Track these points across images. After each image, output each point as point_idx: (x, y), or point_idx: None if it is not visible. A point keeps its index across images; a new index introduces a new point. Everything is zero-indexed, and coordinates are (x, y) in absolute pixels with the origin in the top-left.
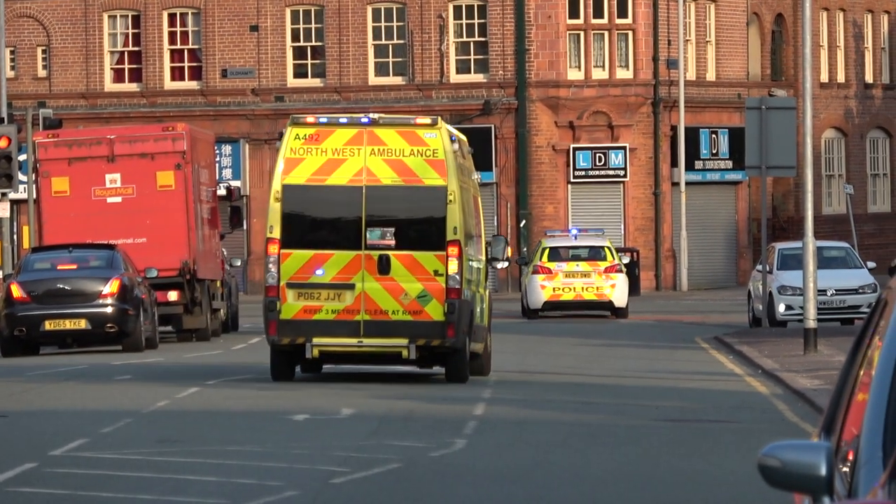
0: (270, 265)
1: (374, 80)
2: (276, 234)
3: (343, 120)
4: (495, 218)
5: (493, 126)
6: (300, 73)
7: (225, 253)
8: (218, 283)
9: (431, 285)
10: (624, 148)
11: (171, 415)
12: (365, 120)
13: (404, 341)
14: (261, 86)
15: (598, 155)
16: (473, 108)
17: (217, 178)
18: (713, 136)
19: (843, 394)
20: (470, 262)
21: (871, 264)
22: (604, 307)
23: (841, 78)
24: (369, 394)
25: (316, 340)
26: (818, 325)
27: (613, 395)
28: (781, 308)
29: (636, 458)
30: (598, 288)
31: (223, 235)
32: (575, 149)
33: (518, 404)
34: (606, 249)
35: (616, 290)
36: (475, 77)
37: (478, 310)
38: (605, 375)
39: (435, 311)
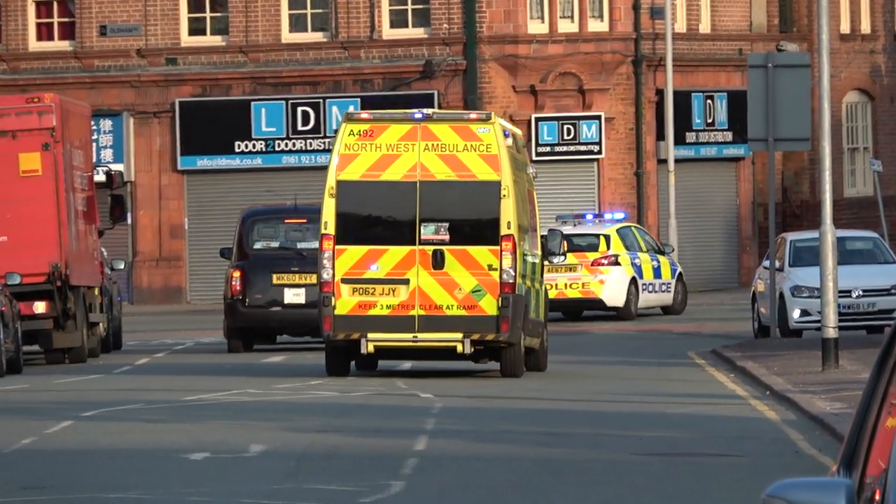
0: (325, 261)
1: (288, 36)
2: (331, 230)
3: (397, 115)
4: None
5: (436, 92)
6: (196, 29)
7: (105, 254)
8: (96, 292)
9: (485, 280)
10: (598, 118)
11: (39, 455)
12: (419, 115)
13: (459, 336)
14: (148, 46)
15: (566, 126)
16: (412, 70)
17: (94, 160)
18: (708, 101)
19: (867, 419)
20: (525, 257)
21: None
22: (593, 306)
23: (866, 28)
24: (286, 425)
25: (371, 336)
26: (840, 335)
27: (586, 423)
28: (795, 314)
29: (613, 500)
30: (583, 284)
31: (102, 232)
32: (538, 119)
33: (468, 437)
34: (603, 238)
35: (607, 287)
36: (413, 32)
37: (533, 304)
38: (576, 399)
39: (489, 305)
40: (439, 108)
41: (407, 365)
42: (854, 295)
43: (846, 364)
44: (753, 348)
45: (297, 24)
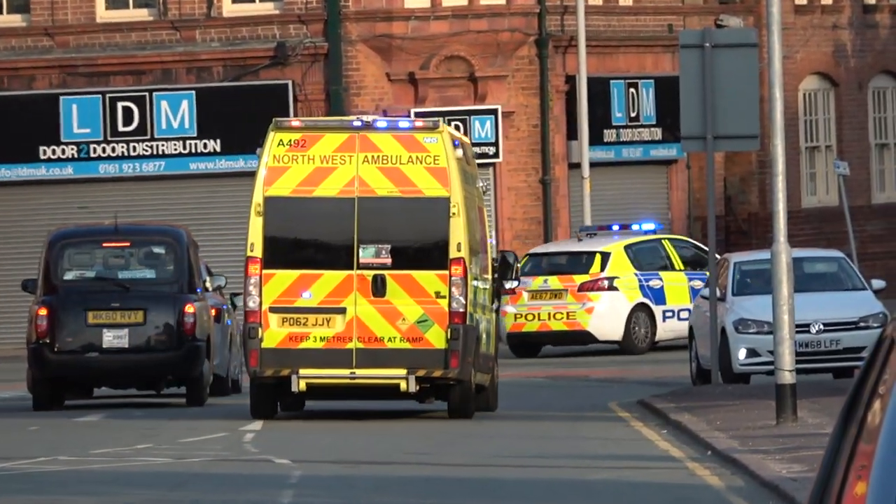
0: (251, 287)
1: (104, 14)
2: (258, 252)
3: (333, 123)
4: None
5: (290, 82)
6: None
7: None
8: None
9: (433, 309)
10: (494, 112)
11: None
12: (357, 123)
13: (402, 372)
14: None
15: (453, 123)
16: (260, 55)
17: None
18: (632, 91)
19: (831, 484)
20: (475, 283)
21: (877, 283)
22: (580, 339)
23: None
24: (105, 502)
25: (303, 372)
26: (799, 380)
27: (479, 494)
28: (741, 354)
29: None
30: (568, 314)
31: None
32: (419, 115)
33: None
34: (599, 256)
35: (595, 316)
36: (262, 8)
37: (484, 336)
38: (468, 464)
39: (437, 337)
40: (294, 101)
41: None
42: (813, 330)
43: (806, 416)
44: (691, 397)
45: (115, 0)
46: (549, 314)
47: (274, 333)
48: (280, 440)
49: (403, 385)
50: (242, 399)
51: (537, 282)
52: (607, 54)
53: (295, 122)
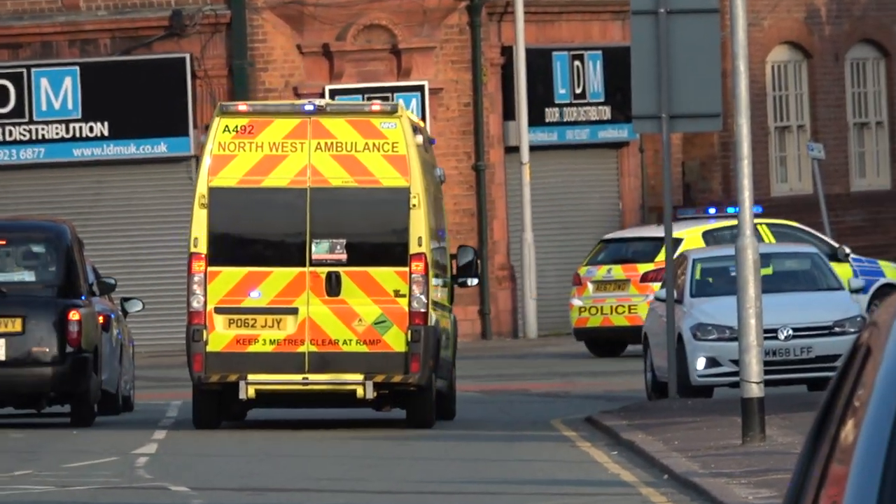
0: (195, 286)
1: None
2: (202, 248)
3: (283, 108)
4: None
5: (187, 56)
6: None
7: None
8: None
9: (391, 309)
10: (420, 89)
11: None
12: (309, 107)
13: (359, 377)
14: None
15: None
16: (153, 25)
17: None
18: (577, 64)
19: None
20: (435, 280)
21: (856, 282)
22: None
23: None
24: None
25: (252, 377)
26: (767, 393)
27: None
28: (699, 364)
29: None
30: (630, 307)
31: None
32: (334, 92)
33: None
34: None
35: None
36: None
37: (443, 338)
38: (390, 492)
39: (396, 340)
40: (193, 77)
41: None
42: (782, 336)
43: (776, 434)
44: (646, 414)
45: None
46: (611, 307)
47: (220, 336)
48: (178, 464)
49: (360, 391)
50: (134, 418)
51: (601, 271)
52: (548, 22)
53: (242, 107)
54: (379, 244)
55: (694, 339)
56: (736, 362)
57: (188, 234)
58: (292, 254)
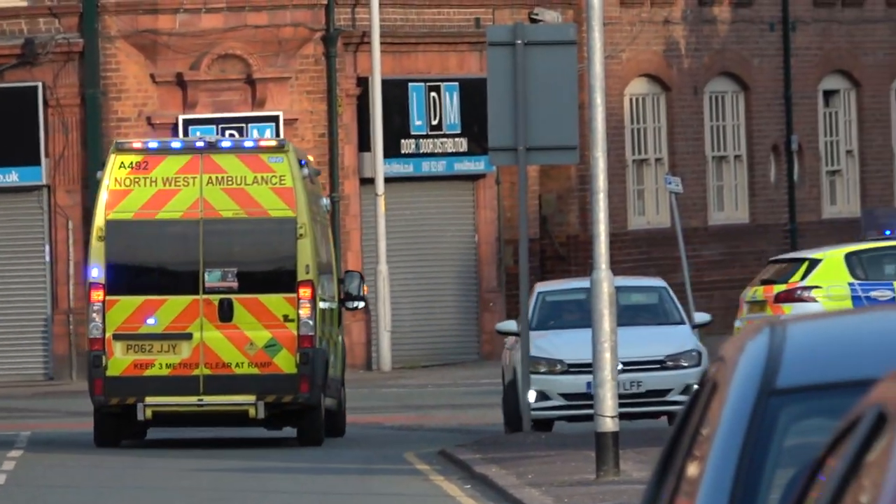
0: (94, 314)
1: None
2: (100, 278)
3: (175, 145)
4: (48, 244)
5: (40, 85)
6: None
7: None
8: None
9: (281, 333)
10: (275, 119)
11: None
12: (200, 144)
13: (251, 398)
14: None
15: (228, 132)
16: (5, 53)
17: None
18: (433, 95)
19: None
20: (322, 304)
21: (700, 317)
22: None
23: None
24: None
25: (149, 400)
26: (623, 426)
27: None
28: (530, 398)
29: None
30: None
31: None
32: (188, 122)
33: None
34: (806, 263)
35: None
36: None
37: (331, 359)
38: None
39: (286, 362)
40: (45, 106)
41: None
42: None
43: (630, 468)
44: (500, 447)
45: None
46: None
47: (118, 361)
48: (26, 496)
49: (252, 411)
50: None
51: (752, 292)
52: (405, 53)
53: (136, 144)
54: (268, 272)
55: (524, 373)
56: (566, 396)
57: (37, 266)
58: (186, 282)
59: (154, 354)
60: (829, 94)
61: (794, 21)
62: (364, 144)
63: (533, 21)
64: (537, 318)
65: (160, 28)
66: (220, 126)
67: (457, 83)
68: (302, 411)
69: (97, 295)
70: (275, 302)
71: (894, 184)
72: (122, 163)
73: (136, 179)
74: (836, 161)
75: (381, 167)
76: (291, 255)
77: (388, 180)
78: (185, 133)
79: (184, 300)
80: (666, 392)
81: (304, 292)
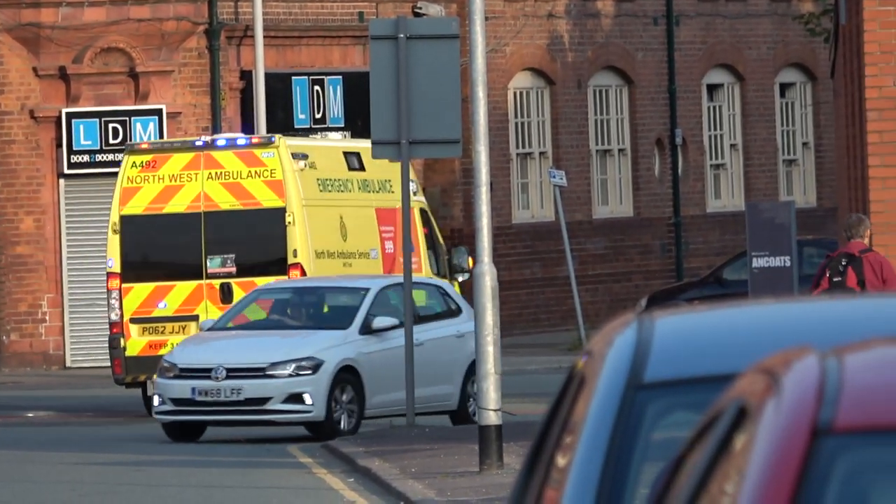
0: (112, 301)
1: None
2: (116, 268)
3: (178, 144)
4: None
5: None
6: None
7: None
8: None
9: None
10: (158, 112)
11: None
12: (200, 143)
13: None
14: None
15: (112, 126)
16: None
17: None
18: (317, 88)
19: None
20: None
21: (382, 320)
22: None
23: None
24: None
25: None
26: (511, 421)
27: None
28: (155, 400)
29: None
30: None
31: None
32: (71, 116)
33: None
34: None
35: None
36: None
37: None
38: None
39: None
40: None
41: None
42: (216, 376)
43: (514, 461)
44: (384, 441)
45: None
46: None
47: (135, 342)
48: None
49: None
50: None
51: None
52: (288, 47)
53: (144, 145)
54: (262, 257)
55: (159, 376)
56: (175, 401)
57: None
58: (191, 269)
59: (166, 335)
60: (712, 88)
61: (677, 15)
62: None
63: (416, 15)
64: (229, 317)
65: (43, 21)
66: (103, 119)
67: (340, 77)
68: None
69: (114, 283)
70: None
71: (778, 177)
72: (134, 162)
73: (146, 177)
74: (721, 155)
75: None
76: (282, 242)
77: None
78: (70, 129)
79: (189, 285)
80: (266, 400)
81: (294, 275)
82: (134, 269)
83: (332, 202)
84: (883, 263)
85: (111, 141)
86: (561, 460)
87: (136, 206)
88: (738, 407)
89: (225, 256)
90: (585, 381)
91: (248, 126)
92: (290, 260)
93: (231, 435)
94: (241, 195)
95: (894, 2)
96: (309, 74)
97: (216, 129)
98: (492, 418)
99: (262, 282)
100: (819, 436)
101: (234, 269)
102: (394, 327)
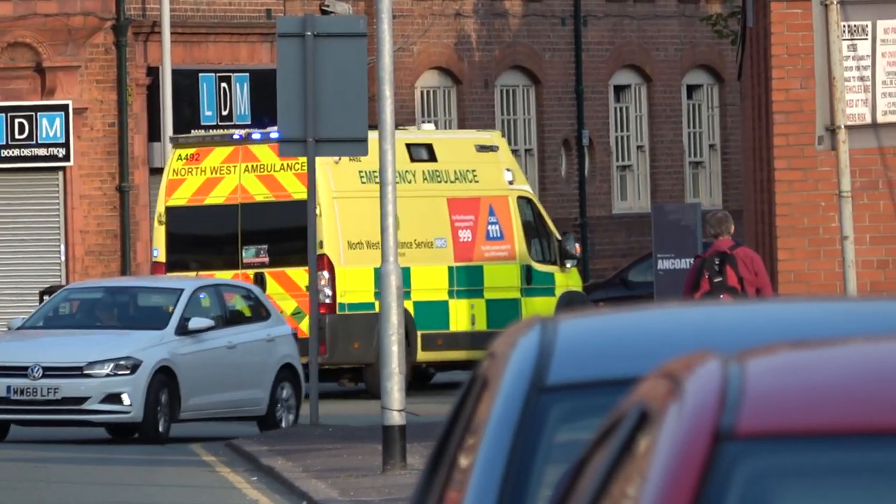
0: None
1: None
2: (162, 257)
3: (218, 138)
4: None
5: None
6: None
7: None
8: None
9: (304, 301)
10: (64, 108)
11: None
12: (237, 136)
13: None
14: None
15: (17, 121)
16: None
17: None
18: (224, 85)
19: None
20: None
21: (199, 321)
22: None
23: None
24: None
25: None
26: (414, 420)
27: None
28: None
29: None
30: None
31: None
32: None
33: None
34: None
35: None
36: None
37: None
38: None
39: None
40: None
41: None
42: (32, 374)
43: (417, 462)
44: (287, 440)
45: None
46: None
47: None
48: None
49: None
50: None
51: None
52: (196, 43)
53: (191, 138)
54: (292, 247)
55: None
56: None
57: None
58: (229, 258)
59: None
60: (620, 89)
61: (585, 16)
62: (154, 134)
63: (324, 13)
64: (43, 316)
65: None
66: (9, 115)
67: (247, 74)
68: (326, 373)
69: (159, 273)
70: (298, 274)
71: (684, 179)
72: (180, 155)
73: (189, 169)
74: (627, 156)
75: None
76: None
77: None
78: None
79: (227, 275)
80: (83, 400)
81: (322, 265)
82: (178, 259)
83: (377, 193)
84: (753, 258)
85: (17, 136)
86: (463, 461)
87: (180, 198)
88: (640, 411)
89: (259, 247)
90: (489, 382)
91: (154, 122)
92: (318, 251)
93: (43, 435)
94: (274, 187)
95: (801, 4)
96: (216, 71)
97: (123, 125)
98: (396, 418)
99: (292, 272)
100: (720, 441)
101: (266, 260)
102: (210, 329)
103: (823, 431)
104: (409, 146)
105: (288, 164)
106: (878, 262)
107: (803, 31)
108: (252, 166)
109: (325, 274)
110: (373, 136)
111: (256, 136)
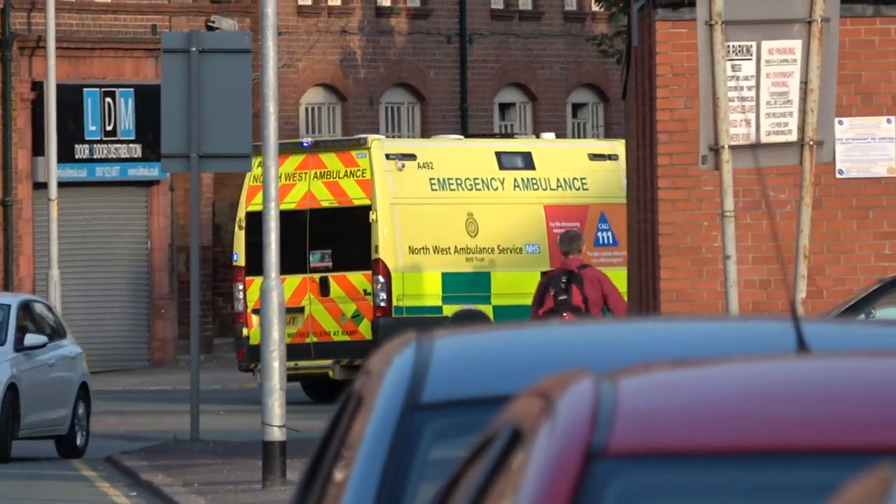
0: (238, 293)
1: None
2: (241, 262)
3: (289, 146)
4: None
5: None
6: None
7: None
8: None
9: (363, 304)
10: None
11: None
12: (305, 144)
13: (343, 361)
14: None
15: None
16: None
17: None
18: (108, 100)
19: None
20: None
21: (34, 338)
22: None
23: None
24: None
25: None
26: (294, 436)
27: None
28: None
29: None
30: None
31: None
32: None
33: None
34: None
35: None
36: None
37: None
38: None
39: (367, 330)
40: None
41: None
42: None
43: (297, 478)
44: (167, 455)
45: None
46: None
47: (256, 332)
48: None
49: (331, 373)
50: None
51: None
52: (81, 58)
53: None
54: (352, 252)
55: None
56: None
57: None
58: (298, 263)
59: None
60: (505, 107)
61: (471, 34)
62: (38, 149)
63: (210, 29)
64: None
65: None
66: None
67: (132, 89)
68: None
69: (239, 276)
70: (357, 278)
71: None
72: (261, 162)
73: None
74: None
75: (54, 172)
76: (368, 238)
77: (61, 185)
78: None
79: (297, 278)
80: None
81: (377, 269)
82: (255, 263)
83: (453, 200)
84: (602, 279)
85: None
86: (338, 476)
87: (258, 204)
88: (513, 429)
89: (323, 251)
90: (364, 399)
91: (38, 137)
92: (373, 255)
93: None
94: (338, 194)
95: (686, 24)
96: (101, 86)
97: (7, 139)
98: (276, 434)
99: (353, 276)
100: (592, 459)
101: (330, 264)
102: (45, 345)
103: (695, 450)
104: (498, 154)
105: (350, 171)
106: (759, 282)
107: (688, 51)
108: (319, 173)
109: (381, 278)
110: (432, 144)
111: (323, 143)
